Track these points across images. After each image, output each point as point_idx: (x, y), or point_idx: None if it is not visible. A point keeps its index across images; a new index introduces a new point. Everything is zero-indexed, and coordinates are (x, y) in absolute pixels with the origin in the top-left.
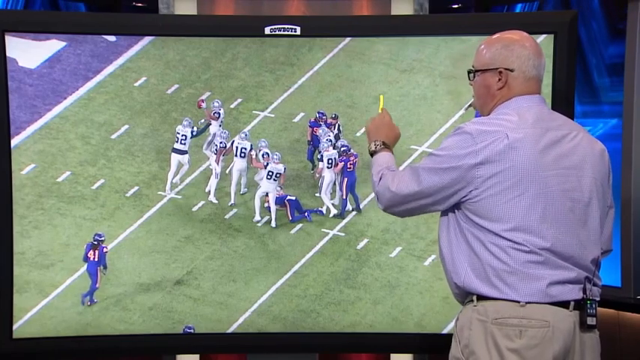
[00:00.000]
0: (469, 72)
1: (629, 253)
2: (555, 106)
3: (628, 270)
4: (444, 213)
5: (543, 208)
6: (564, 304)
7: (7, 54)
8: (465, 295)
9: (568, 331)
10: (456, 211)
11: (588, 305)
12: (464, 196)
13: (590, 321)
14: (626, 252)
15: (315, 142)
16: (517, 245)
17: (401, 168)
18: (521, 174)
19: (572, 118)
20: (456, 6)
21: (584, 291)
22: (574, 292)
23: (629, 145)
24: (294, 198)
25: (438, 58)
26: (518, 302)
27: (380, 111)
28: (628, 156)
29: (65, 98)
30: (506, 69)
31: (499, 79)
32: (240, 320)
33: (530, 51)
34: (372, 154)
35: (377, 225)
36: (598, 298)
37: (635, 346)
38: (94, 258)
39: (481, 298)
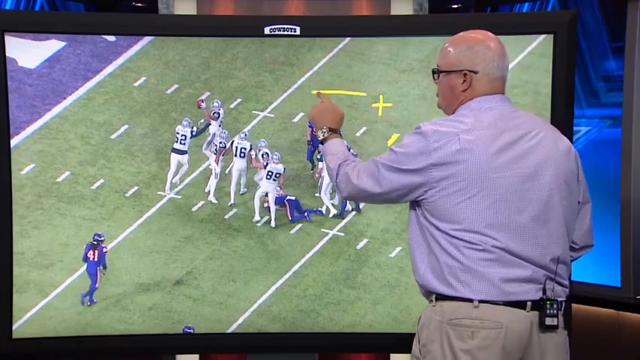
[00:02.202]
0: (434, 72)
1: (629, 253)
2: (555, 107)
3: (627, 270)
4: (411, 209)
5: (495, 211)
6: (520, 305)
7: (7, 54)
8: (427, 294)
9: (524, 332)
10: (416, 208)
11: (548, 305)
12: (420, 196)
13: (550, 321)
14: (625, 252)
15: (314, 142)
16: (470, 245)
17: None
18: (472, 176)
19: (572, 119)
20: (455, 6)
21: (544, 291)
22: (531, 293)
23: (629, 145)
24: (293, 198)
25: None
26: (472, 301)
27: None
28: (627, 156)
29: (65, 98)
30: (470, 71)
31: (463, 81)
32: (240, 320)
33: (494, 52)
34: (322, 142)
35: (376, 225)
36: (563, 298)
37: (634, 346)
38: (93, 258)
39: (439, 297)
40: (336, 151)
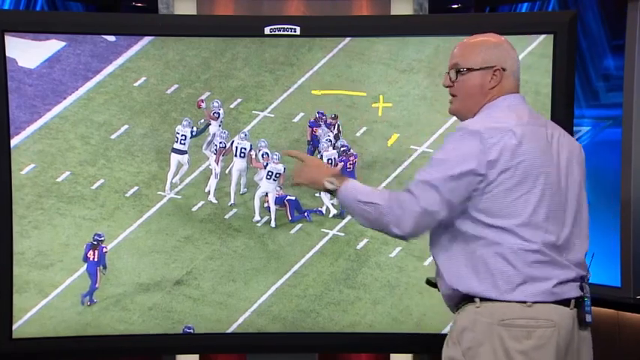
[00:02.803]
0: (458, 71)
1: (629, 253)
2: (555, 107)
3: (627, 270)
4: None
5: (548, 204)
6: (566, 302)
7: (7, 54)
8: (460, 298)
9: (569, 329)
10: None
11: (585, 302)
12: (477, 195)
13: (588, 318)
14: (625, 252)
15: (314, 142)
16: (525, 244)
17: (401, 168)
18: (527, 170)
19: (572, 119)
20: (455, 6)
21: (582, 288)
22: (573, 290)
23: (629, 145)
24: (293, 198)
25: (438, 58)
26: (525, 302)
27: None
28: (627, 156)
29: (65, 98)
30: (502, 68)
31: (492, 78)
32: (240, 320)
33: (516, 53)
34: (334, 191)
35: None
36: (589, 295)
37: (634, 346)
38: (93, 258)
39: (484, 299)
40: (363, 189)
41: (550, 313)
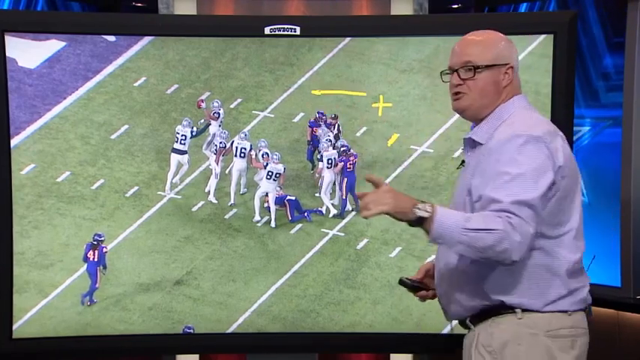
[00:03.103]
0: (473, 68)
1: (629, 253)
2: (555, 107)
3: (627, 270)
4: None
5: (581, 210)
6: (587, 309)
7: (7, 54)
8: (493, 309)
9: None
10: None
11: (589, 309)
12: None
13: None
14: (625, 252)
15: (314, 142)
16: (571, 256)
17: (401, 168)
18: (575, 175)
19: (572, 119)
20: (455, 6)
21: (591, 294)
22: (589, 296)
23: (629, 145)
24: (293, 198)
25: (438, 58)
26: (567, 312)
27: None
28: (627, 156)
29: (65, 98)
30: (512, 66)
31: (504, 76)
32: (240, 320)
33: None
34: (422, 220)
35: (377, 225)
36: None
37: (634, 346)
38: (93, 258)
39: (527, 310)
40: (459, 214)
41: (583, 321)
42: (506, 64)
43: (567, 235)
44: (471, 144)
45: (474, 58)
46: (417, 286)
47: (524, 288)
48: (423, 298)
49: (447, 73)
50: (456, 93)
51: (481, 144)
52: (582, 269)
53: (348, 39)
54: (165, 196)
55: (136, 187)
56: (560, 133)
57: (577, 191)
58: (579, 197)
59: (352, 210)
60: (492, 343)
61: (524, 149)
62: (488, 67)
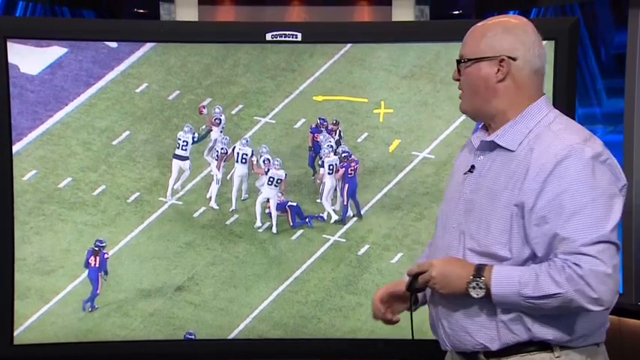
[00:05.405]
0: (463, 61)
1: (631, 258)
2: None
3: (629, 276)
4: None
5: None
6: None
7: (9, 60)
8: (524, 345)
9: None
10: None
11: None
12: None
13: None
14: (627, 258)
15: (316, 148)
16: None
17: (402, 174)
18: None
19: None
20: (456, 12)
21: None
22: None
23: (630, 149)
24: (295, 204)
25: (439, 64)
26: (597, 345)
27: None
28: (629, 161)
29: (67, 104)
30: (510, 57)
31: (497, 70)
32: (241, 326)
33: (536, 40)
34: (481, 287)
35: (378, 231)
36: None
37: (636, 352)
38: (95, 264)
39: (564, 347)
40: (515, 275)
41: (605, 350)
42: (497, 56)
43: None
44: (490, 147)
45: (466, 50)
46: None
47: (565, 322)
48: (388, 321)
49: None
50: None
51: (510, 150)
52: None
53: (349, 45)
54: (166, 202)
55: (137, 193)
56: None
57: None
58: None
59: (353, 216)
60: None
61: (590, 169)
62: (475, 60)
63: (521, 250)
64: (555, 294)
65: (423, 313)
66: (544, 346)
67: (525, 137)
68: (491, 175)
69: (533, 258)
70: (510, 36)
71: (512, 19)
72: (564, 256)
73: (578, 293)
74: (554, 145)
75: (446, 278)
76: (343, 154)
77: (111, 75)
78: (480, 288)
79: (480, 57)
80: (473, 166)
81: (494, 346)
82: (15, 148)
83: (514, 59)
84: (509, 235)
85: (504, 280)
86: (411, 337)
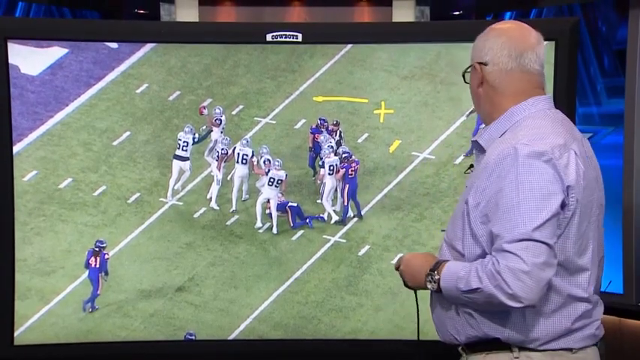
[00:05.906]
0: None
1: (631, 259)
2: None
3: (630, 276)
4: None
5: (598, 239)
6: (598, 344)
7: (10, 61)
8: (487, 344)
9: None
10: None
11: None
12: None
13: None
14: (628, 258)
15: (316, 149)
16: (581, 292)
17: (402, 174)
18: (590, 195)
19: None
20: (457, 13)
21: None
22: (600, 329)
23: (631, 149)
24: (295, 204)
25: (439, 65)
26: (571, 350)
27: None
28: (629, 161)
29: (67, 105)
30: (480, 62)
31: (476, 75)
32: (242, 327)
33: (512, 39)
34: (437, 285)
35: (378, 231)
36: None
37: (637, 353)
38: (95, 264)
39: (524, 348)
40: (456, 273)
41: (592, 356)
42: (473, 64)
43: (585, 270)
44: (477, 147)
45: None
46: None
47: (527, 325)
48: None
49: None
50: None
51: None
52: (597, 302)
53: (349, 46)
54: (167, 202)
55: (137, 194)
56: (575, 147)
57: (592, 216)
58: (596, 224)
59: (354, 216)
60: None
61: (526, 167)
62: (465, 70)
63: (473, 246)
64: (477, 288)
65: (425, 313)
66: (503, 345)
67: (498, 138)
68: (473, 174)
69: (484, 256)
70: (482, 42)
71: (497, 25)
72: (493, 252)
73: (497, 289)
74: (502, 145)
75: (411, 271)
76: (344, 155)
77: (111, 75)
78: (434, 282)
79: (467, 67)
80: (472, 165)
81: (461, 339)
82: (15, 148)
83: (485, 64)
84: (462, 231)
85: (448, 274)
86: (416, 338)
